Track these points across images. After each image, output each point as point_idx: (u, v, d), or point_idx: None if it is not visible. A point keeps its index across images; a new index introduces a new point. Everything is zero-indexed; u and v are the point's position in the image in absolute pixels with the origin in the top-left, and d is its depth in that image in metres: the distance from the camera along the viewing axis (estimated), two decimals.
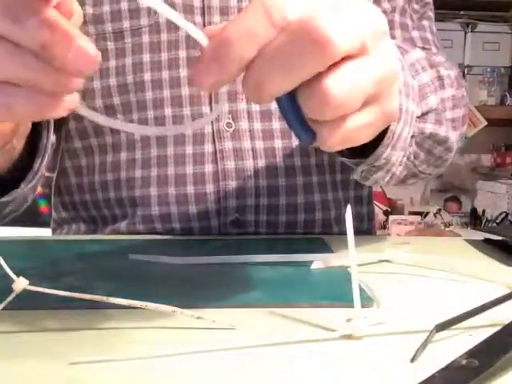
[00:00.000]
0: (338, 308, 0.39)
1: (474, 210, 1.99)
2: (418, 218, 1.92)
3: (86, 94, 0.66)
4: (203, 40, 0.32)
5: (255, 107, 0.66)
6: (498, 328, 0.33)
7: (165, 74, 0.65)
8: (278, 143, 0.67)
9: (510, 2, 1.90)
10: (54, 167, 0.74)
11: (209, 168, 0.66)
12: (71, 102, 0.32)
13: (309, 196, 0.69)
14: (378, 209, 1.88)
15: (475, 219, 1.98)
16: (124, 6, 0.65)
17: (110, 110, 0.66)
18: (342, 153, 0.53)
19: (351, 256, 0.33)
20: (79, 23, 0.32)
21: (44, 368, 0.30)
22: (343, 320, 0.36)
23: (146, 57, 0.65)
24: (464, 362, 0.28)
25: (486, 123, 1.85)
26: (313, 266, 0.49)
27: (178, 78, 0.65)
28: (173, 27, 0.65)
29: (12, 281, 0.32)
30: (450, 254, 0.59)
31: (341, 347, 0.33)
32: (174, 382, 0.29)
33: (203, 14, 0.65)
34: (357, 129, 0.34)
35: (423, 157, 0.60)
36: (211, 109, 0.66)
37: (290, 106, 0.33)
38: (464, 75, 1.87)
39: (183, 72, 0.65)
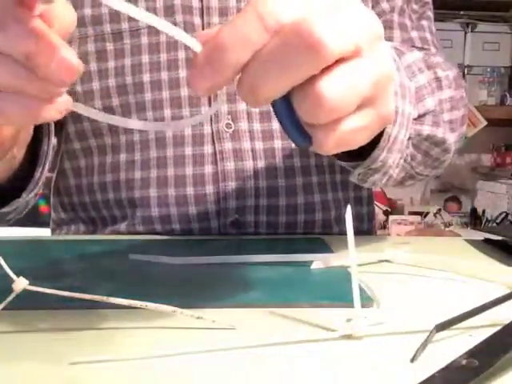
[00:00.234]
0: (338, 308, 0.39)
1: (474, 210, 1.99)
2: (418, 218, 1.92)
3: (85, 96, 0.66)
4: (196, 46, 0.32)
5: (255, 108, 0.66)
6: (498, 328, 0.33)
7: (164, 75, 0.65)
8: (278, 144, 0.67)
9: (510, 2, 1.90)
10: (53, 167, 0.74)
11: (208, 169, 0.66)
12: (64, 104, 0.32)
13: (309, 196, 0.68)
14: (378, 209, 1.88)
15: (475, 219, 1.98)
16: None
17: (108, 111, 0.66)
18: (338, 156, 0.53)
19: (351, 256, 0.33)
20: (72, 28, 0.32)
21: (44, 368, 0.30)
22: (343, 320, 0.36)
23: (145, 58, 0.65)
24: (464, 361, 0.28)
25: (485, 123, 1.85)
26: (313, 266, 0.49)
27: (177, 79, 0.65)
28: None
29: (12, 281, 0.32)
30: (450, 253, 0.59)
31: (341, 347, 0.33)
32: (174, 381, 0.29)
33: (202, 15, 0.65)
34: (352, 132, 0.34)
35: (420, 158, 0.60)
36: None
37: (286, 110, 0.33)
38: (464, 75, 1.87)
39: (182, 73, 0.65)
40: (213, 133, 0.66)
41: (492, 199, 1.89)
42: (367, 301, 0.40)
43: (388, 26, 0.69)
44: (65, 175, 0.73)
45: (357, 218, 0.74)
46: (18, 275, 0.33)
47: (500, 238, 0.61)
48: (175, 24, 0.63)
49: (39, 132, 0.52)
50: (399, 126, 0.49)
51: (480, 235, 0.65)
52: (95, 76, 0.66)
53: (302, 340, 0.34)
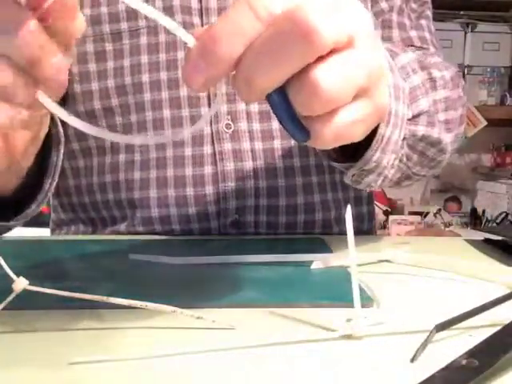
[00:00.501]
0: (338, 308, 0.39)
1: (474, 210, 1.99)
2: (418, 218, 1.92)
3: (84, 96, 0.66)
4: (191, 41, 0.32)
5: (254, 108, 0.66)
6: (498, 328, 0.33)
7: (163, 76, 0.65)
8: (278, 144, 0.67)
9: (510, 2, 1.90)
10: None
11: (208, 169, 0.66)
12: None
13: (308, 196, 0.68)
14: (378, 209, 1.88)
15: (475, 219, 1.98)
16: (122, 7, 0.64)
17: (108, 112, 0.66)
18: (333, 157, 0.53)
19: (351, 256, 0.33)
20: (83, 29, 0.32)
21: (44, 368, 0.30)
22: (343, 320, 0.36)
23: (144, 58, 0.65)
24: (464, 361, 0.28)
25: (485, 123, 1.85)
26: (313, 266, 0.49)
27: (176, 80, 0.65)
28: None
29: (12, 281, 0.32)
30: (450, 253, 0.59)
31: (341, 347, 0.33)
32: (174, 381, 0.29)
33: (201, 16, 0.65)
34: (349, 123, 0.33)
35: (416, 159, 0.60)
36: None
37: (282, 103, 0.33)
38: (464, 75, 1.87)
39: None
40: (212, 133, 0.66)
41: (492, 199, 1.89)
42: (367, 301, 0.40)
43: (387, 25, 0.69)
44: (64, 175, 0.72)
45: (357, 218, 0.74)
46: (18, 275, 0.33)
47: (500, 238, 0.61)
48: None
49: (49, 142, 0.52)
50: (392, 126, 0.49)
51: (480, 235, 0.65)
52: (94, 76, 0.66)
53: (301, 340, 0.33)
